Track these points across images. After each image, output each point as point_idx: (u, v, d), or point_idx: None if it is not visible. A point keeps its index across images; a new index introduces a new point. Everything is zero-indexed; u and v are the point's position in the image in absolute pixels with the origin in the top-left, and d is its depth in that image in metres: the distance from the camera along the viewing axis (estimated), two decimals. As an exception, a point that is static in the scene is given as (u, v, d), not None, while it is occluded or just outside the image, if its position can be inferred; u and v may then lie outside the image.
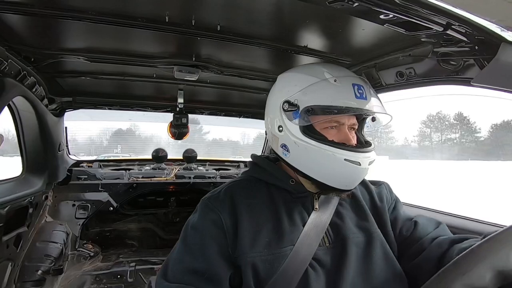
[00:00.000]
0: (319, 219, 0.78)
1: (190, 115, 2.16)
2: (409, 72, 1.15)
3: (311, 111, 0.75)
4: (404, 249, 0.82)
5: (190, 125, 2.17)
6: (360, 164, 0.73)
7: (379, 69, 1.26)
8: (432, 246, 0.77)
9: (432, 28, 0.77)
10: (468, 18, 0.68)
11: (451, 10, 0.66)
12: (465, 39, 0.81)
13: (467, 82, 0.95)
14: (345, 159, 0.72)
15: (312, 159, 0.75)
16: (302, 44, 1.19)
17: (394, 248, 0.81)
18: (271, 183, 0.83)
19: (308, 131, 0.76)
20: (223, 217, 0.74)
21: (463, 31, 0.76)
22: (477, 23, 0.69)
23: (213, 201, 0.79)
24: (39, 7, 0.93)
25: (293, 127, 0.77)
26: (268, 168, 0.86)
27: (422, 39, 0.91)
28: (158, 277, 0.72)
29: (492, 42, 0.78)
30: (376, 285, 0.73)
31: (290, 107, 0.76)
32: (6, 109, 1.46)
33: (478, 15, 0.64)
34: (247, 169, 0.93)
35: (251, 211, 0.76)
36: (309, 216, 0.78)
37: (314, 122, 0.76)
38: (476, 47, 0.84)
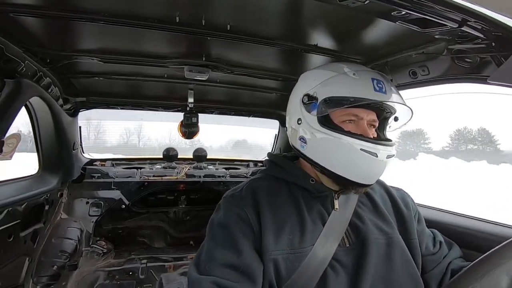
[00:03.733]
0: (339, 219, 0.78)
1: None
2: (423, 70, 1.12)
3: (328, 101, 0.75)
4: (428, 264, 0.84)
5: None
6: (377, 156, 0.72)
7: (391, 67, 1.24)
8: (448, 269, 0.83)
9: (447, 25, 0.75)
10: (485, 14, 0.66)
11: (466, 6, 0.64)
12: (481, 35, 0.78)
13: (483, 80, 0.92)
14: (361, 149, 0.71)
15: (329, 150, 0.75)
16: (312, 43, 1.18)
17: (417, 258, 0.80)
18: (291, 182, 0.83)
19: (326, 122, 0.76)
20: (248, 212, 0.74)
21: (479, 27, 0.74)
22: (494, 18, 0.67)
23: (236, 198, 0.79)
24: (54, 10, 0.96)
25: (311, 118, 0.77)
26: (287, 167, 0.86)
27: (436, 36, 0.89)
28: (191, 273, 0.69)
29: (510, 38, 0.75)
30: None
31: (309, 99, 0.77)
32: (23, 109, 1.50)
33: (495, 10, 0.62)
34: (261, 167, 0.93)
35: (274, 208, 0.76)
36: (328, 216, 0.78)
37: (330, 112, 0.76)
38: (493, 44, 0.82)
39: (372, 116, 0.79)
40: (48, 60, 1.38)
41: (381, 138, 0.80)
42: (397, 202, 0.88)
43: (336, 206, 0.79)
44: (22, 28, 1.08)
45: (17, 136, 1.43)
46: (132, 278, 2.05)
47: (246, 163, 2.87)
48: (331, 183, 0.80)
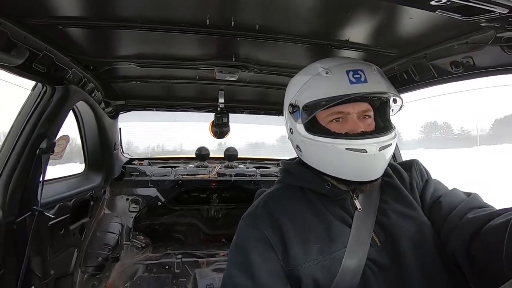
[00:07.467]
0: (363, 218, 0.75)
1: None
2: (467, 62, 1.03)
3: (306, 108, 0.74)
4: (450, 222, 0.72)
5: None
6: (366, 151, 0.68)
7: (430, 60, 1.15)
8: (462, 223, 0.67)
9: (495, 11, 0.68)
10: (541, -4, 0.59)
11: (518, -11, 0.58)
12: (536, 20, 0.71)
13: None
14: (346, 149, 0.69)
15: (319, 154, 0.75)
16: (343, 38, 1.14)
17: (431, 232, 0.74)
18: (307, 188, 0.80)
19: (313, 127, 0.76)
20: (267, 232, 0.72)
21: (534, 11, 0.66)
22: (553, 1, 0.60)
23: (253, 218, 0.78)
24: (96, 20, 1.03)
25: (299, 126, 0.77)
26: (300, 174, 0.83)
27: (482, 24, 0.81)
28: None
29: None
30: (433, 277, 0.69)
31: (293, 109, 0.78)
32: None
33: (554, -9, 0.56)
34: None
35: (294, 220, 0.74)
36: (352, 218, 0.75)
37: (313, 116, 0.75)
38: None
39: (361, 107, 0.74)
40: (91, 67, 1.49)
41: (373, 131, 0.74)
42: (408, 177, 0.82)
43: (358, 206, 0.76)
44: (68, 39, 1.17)
45: (66, 138, 1.57)
46: (168, 272, 2.14)
47: (276, 162, 2.87)
48: (340, 184, 0.77)
